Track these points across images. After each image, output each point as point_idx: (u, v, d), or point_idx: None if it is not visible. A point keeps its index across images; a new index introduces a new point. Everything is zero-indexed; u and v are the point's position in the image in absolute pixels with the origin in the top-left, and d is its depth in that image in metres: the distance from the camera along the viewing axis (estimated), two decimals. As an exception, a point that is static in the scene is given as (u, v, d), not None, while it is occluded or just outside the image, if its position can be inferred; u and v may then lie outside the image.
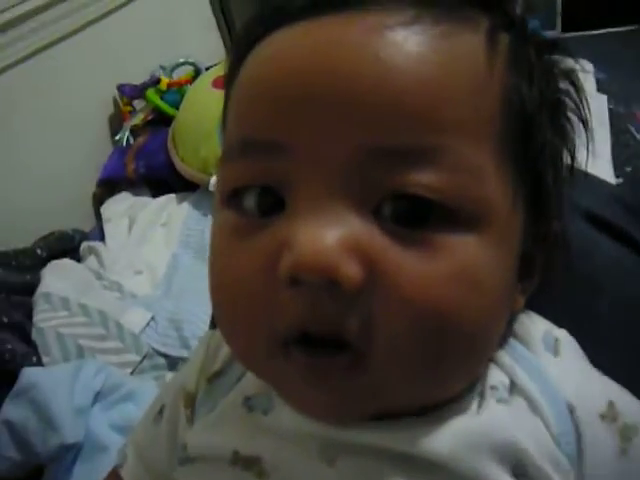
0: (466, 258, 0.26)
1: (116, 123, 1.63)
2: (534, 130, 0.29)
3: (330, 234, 0.25)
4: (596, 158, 1.09)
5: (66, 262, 1.17)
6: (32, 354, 0.88)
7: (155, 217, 1.28)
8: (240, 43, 0.31)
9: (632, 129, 1.33)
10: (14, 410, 0.77)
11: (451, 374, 0.28)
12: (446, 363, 0.27)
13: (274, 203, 0.28)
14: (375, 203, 0.26)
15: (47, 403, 0.76)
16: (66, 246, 1.29)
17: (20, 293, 1.04)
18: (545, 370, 0.29)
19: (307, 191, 0.27)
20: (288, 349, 0.27)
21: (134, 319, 0.94)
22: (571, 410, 0.28)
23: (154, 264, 1.15)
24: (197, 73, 1.58)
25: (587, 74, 1.50)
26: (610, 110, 1.31)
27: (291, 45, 0.28)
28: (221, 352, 0.35)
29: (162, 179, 1.40)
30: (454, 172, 0.26)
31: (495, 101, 0.28)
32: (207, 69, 1.55)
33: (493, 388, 0.29)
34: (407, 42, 0.26)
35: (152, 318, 0.96)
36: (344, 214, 0.26)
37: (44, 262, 1.18)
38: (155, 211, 1.30)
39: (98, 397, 0.79)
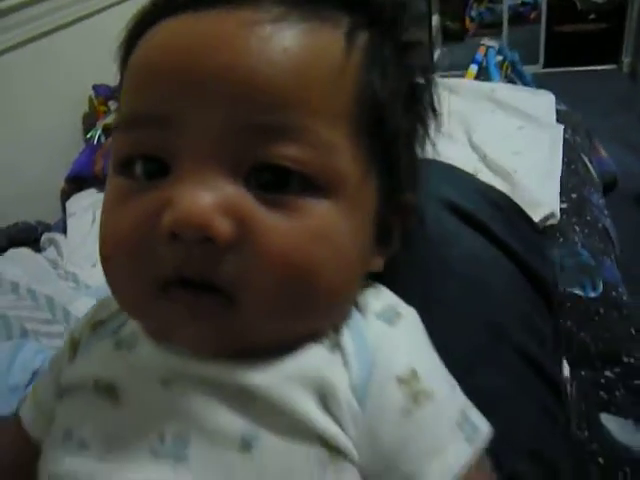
0: (321, 219, 0.31)
1: (89, 122, 1.67)
2: (387, 117, 0.33)
3: (206, 196, 0.29)
4: (546, 179, 1.15)
5: (24, 251, 1.19)
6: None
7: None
8: (133, 27, 0.35)
9: (585, 159, 1.39)
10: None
11: (307, 320, 0.32)
12: (303, 310, 0.31)
13: (160, 169, 0.31)
14: (245, 172, 0.30)
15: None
16: (28, 237, 1.31)
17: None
18: (365, 333, 0.33)
19: (188, 160, 0.30)
20: (169, 290, 0.30)
21: (82, 307, 0.96)
22: (372, 368, 0.31)
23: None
24: None
25: (550, 106, 1.57)
26: (565, 139, 1.36)
27: (175, 34, 0.32)
28: (111, 305, 0.39)
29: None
30: (311, 147, 0.30)
31: (349, 90, 0.32)
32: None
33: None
34: (273, 36, 0.30)
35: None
36: (219, 180, 0.30)
37: (3, 251, 1.20)
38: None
39: (35, 376, 0.80)
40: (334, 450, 0.30)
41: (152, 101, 0.31)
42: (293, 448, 0.30)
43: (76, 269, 1.14)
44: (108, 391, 0.33)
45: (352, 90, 0.32)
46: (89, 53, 1.59)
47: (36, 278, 1.05)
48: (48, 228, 1.37)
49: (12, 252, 1.18)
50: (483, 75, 2.23)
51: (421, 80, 0.36)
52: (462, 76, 2.18)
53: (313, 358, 0.32)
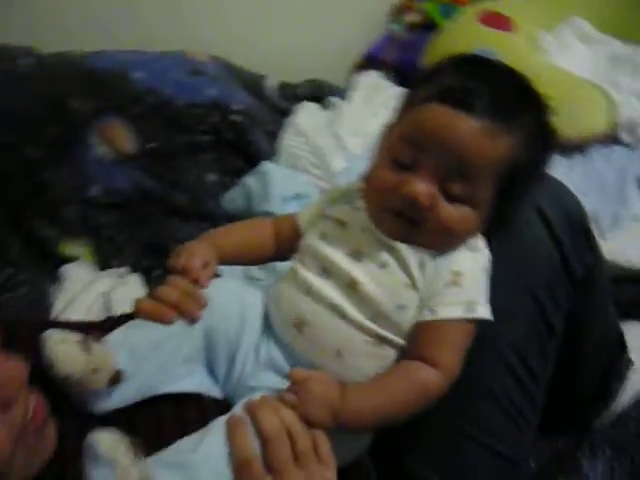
0: (465, 213, 0.63)
1: (396, 11, 1.97)
2: (520, 177, 0.63)
3: (424, 187, 0.62)
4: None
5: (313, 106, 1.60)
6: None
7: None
8: (413, 96, 0.66)
9: None
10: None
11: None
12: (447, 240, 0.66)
13: (407, 168, 0.64)
14: (442, 184, 0.63)
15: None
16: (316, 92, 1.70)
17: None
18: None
19: (422, 170, 0.63)
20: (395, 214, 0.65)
21: (338, 163, 1.37)
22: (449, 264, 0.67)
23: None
24: (477, -2, 1.83)
25: None
26: None
27: (441, 114, 0.62)
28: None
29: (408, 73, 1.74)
30: (472, 188, 0.62)
31: (506, 163, 0.62)
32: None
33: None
34: (482, 133, 0.60)
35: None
36: (432, 183, 0.63)
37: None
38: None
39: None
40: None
41: (420, 138, 0.63)
42: None
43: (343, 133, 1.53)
44: (340, 224, 0.70)
45: (507, 162, 0.62)
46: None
47: (318, 130, 1.46)
48: (335, 92, 1.75)
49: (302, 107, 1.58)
50: None
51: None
52: None
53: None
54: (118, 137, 1.20)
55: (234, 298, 0.74)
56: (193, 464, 0.55)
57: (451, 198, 0.63)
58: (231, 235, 0.86)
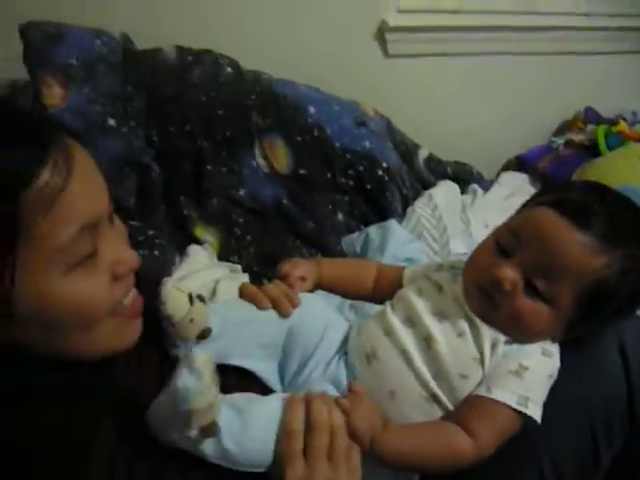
0: (541, 311, 0.68)
1: (564, 127, 2.02)
2: (605, 299, 0.67)
3: (510, 274, 0.69)
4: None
5: (451, 185, 1.68)
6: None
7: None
8: (535, 199, 0.74)
9: None
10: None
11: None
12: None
13: (506, 254, 0.71)
14: (528, 280, 0.69)
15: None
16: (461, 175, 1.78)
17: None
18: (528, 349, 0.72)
19: (515, 258, 0.70)
20: (480, 289, 0.72)
21: (456, 247, 1.43)
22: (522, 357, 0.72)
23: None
24: (649, 138, 1.83)
25: None
26: None
27: (545, 218, 0.69)
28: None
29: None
30: (556, 287, 0.67)
31: (595, 278, 0.66)
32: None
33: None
34: (579, 243, 0.66)
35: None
36: (517, 273, 0.69)
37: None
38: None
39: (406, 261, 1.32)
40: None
41: (523, 230, 0.70)
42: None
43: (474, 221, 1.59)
44: (437, 287, 0.78)
45: (596, 278, 0.66)
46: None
47: (451, 209, 1.54)
48: (479, 180, 1.81)
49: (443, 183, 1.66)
50: None
51: None
52: None
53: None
54: (278, 155, 1.35)
55: (323, 313, 0.82)
56: (250, 413, 0.62)
57: (532, 292, 0.69)
58: (337, 265, 0.96)
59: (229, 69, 1.34)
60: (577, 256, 0.67)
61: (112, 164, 1.17)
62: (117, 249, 0.57)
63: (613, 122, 1.86)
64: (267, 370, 0.76)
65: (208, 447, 0.59)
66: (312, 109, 1.36)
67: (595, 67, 1.90)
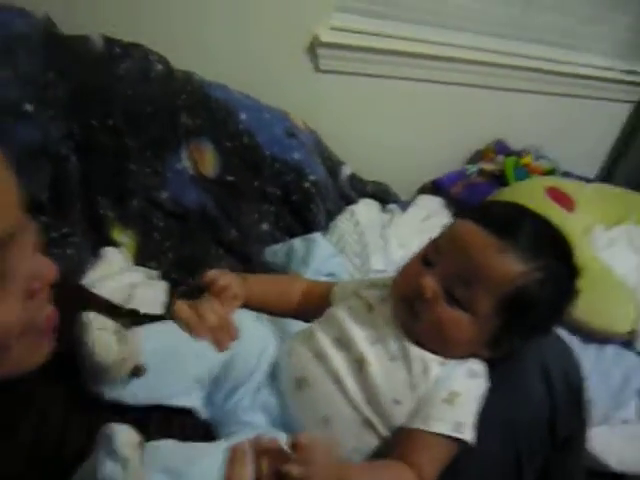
0: (460, 318, 0.70)
1: (477, 156, 2.12)
2: (526, 310, 0.70)
3: (431, 282, 0.71)
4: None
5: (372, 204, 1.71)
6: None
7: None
8: (459, 215, 0.76)
9: None
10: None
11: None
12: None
13: (427, 264, 0.73)
14: (447, 286, 0.70)
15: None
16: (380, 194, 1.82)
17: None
18: (455, 369, 0.73)
19: (438, 266, 0.71)
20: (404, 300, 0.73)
21: (376, 263, 1.45)
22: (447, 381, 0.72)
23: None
24: (551, 172, 1.97)
25: None
26: None
27: (465, 228, 0.72)
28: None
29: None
30: (475, 295, 0.69)
31: (514, 286, 0.69)
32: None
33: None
34: (495, 248, 0.69)
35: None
36: (437, 280, 0.71)
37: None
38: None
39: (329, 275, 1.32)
40: None
41: (444, 241, 0.73)
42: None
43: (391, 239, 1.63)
44: (368, 307, 0.78)
45: (515, 286, 0.69)
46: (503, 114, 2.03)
47: (371, 227, 1.56)
48: (397, 200, 1.86)
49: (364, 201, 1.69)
50: None
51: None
52: None
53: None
54: (205, 159, 1.31)
55: (258, 341, 0.79)
56: (187, 476, 0.56)
57: (452, 301, 0.71)
58: (264, 282, 0.94)
59: (159, 66, 1.29)
60: (495, 263, 0.69)
61: (26, 153, 1.07)
62: (31, 262, 0.49)
63: (520, 155, 1.98)
64: (196, 400, 0.73)
65: None
66: (243, 115, 1.34)
67: (509, 102, 2.02)
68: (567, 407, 0.79)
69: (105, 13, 1.30)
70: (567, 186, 1.77)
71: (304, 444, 0.57)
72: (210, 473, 0.57)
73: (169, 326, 0.73)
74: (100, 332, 0.62)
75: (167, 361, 0.69)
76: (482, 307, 0.70)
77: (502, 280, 0.69)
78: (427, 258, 0.74)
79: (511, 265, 0.69)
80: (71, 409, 0.61)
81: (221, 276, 0.82)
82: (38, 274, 0.50)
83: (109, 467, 0.49)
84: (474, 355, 0.75)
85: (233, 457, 0.58)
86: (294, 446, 0.58)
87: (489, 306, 0.70)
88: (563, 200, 1.65)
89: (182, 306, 0.75)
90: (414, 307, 0.73)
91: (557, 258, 0.72)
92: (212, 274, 0.82)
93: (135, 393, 0.66)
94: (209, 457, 0.59)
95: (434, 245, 0.75)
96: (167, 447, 0.59)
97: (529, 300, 0.70)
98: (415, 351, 0.73)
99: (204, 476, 0.57)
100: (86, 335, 0.61)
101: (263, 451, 0.59)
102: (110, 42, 1.24)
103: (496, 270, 0.69)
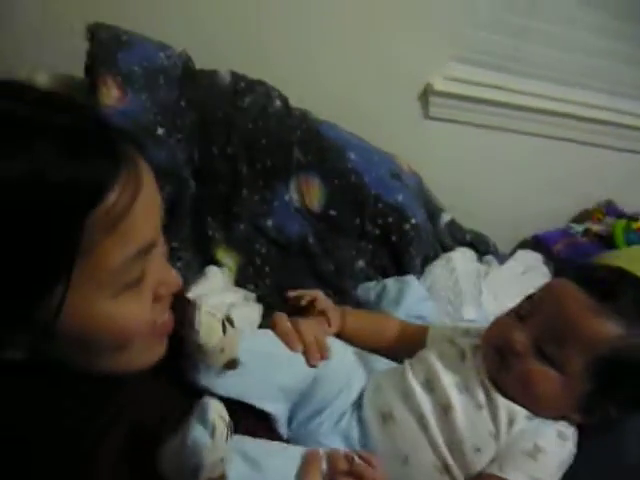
0: (550, 375, 0.69)
1: (584, 215, 2.05)
2: (620, 374, 0.67)
3: (522, 337, 0.71)
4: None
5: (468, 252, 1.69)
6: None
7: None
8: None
9: None
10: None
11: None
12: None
13: (521, 318, 0.73)
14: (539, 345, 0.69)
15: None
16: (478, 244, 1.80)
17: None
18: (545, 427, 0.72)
19: (529, 323, 0.71)
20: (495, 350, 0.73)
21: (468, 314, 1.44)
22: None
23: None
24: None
25: None
26: None
27: (563, 286, 0.75)
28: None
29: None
30: (566, 352, 0.68)
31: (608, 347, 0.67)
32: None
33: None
34: (592, 310, 0.69)
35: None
36: (528, 340, 0.72)
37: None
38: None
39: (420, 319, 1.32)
40: None
41: (539, 296, 0.75)
42: None
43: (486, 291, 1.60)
44: (461, 355, 0.78)
45: (609, 348, 0.66)
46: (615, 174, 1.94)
47: (467, 275, 1.55)
48: (495, 252, 1.83)
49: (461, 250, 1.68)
50: None
51: None
52: None
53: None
54: (312, 192, 1.36)
55: (348, 365, 0.82)
56: (264, 467, 0.59)
57: (542, 357, 0.70)
58: (361, 318, 0.96)
59: (279, 102, 1.37)
60: (590, 324, 0.68)
61: (154, 172, 1.17)
62: (162, 270, 0.54)
63: (633, 218, 1.90)
64: (281, 413, 0.75)
65: None
66: (352, 155, 1.39)
67: (623, 164, 1.95)
68: None
69: (235, 51, 1.41)
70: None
71: (369, 459, 0.63)
72: (285, 470, 0.60)
73: (267, 333, 0.77)
74: (209, 316, 0.65)
75: (260, 362, 0.72)
76: (572, 366, 0.69)
77: (595, 340, 0.68)
78: (521, 313, 0.74)
79: (607, 327, 0.68)
80: (169, 395, 0.64)
81: (323, 301, 0.86)
82: (166, 281, 0.55)
83: (199, 431, 0.51)
84: (565, 418, 0.73)
85: (308, 460, 0.61)
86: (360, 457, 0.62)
87: (580, 366, 0.69)
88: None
89: (282, 317, 0.79)
90: (504, 359, 0.72)
91: None
92: (315, 294, 0.86)
93: (227, 385, 0.68)
94: (287, 456, 0.62)
95: (530, 300, 0.75)
96: (249, 439, 0.63)
97: (625, 364, 0.68)
98: (502, 402, 0.72)
99: (279, 471, 0.60)
100: (196, 316, 0.64)
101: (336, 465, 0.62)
102: (236, 77, 1.34)
103: (590, 330, 0.68)
